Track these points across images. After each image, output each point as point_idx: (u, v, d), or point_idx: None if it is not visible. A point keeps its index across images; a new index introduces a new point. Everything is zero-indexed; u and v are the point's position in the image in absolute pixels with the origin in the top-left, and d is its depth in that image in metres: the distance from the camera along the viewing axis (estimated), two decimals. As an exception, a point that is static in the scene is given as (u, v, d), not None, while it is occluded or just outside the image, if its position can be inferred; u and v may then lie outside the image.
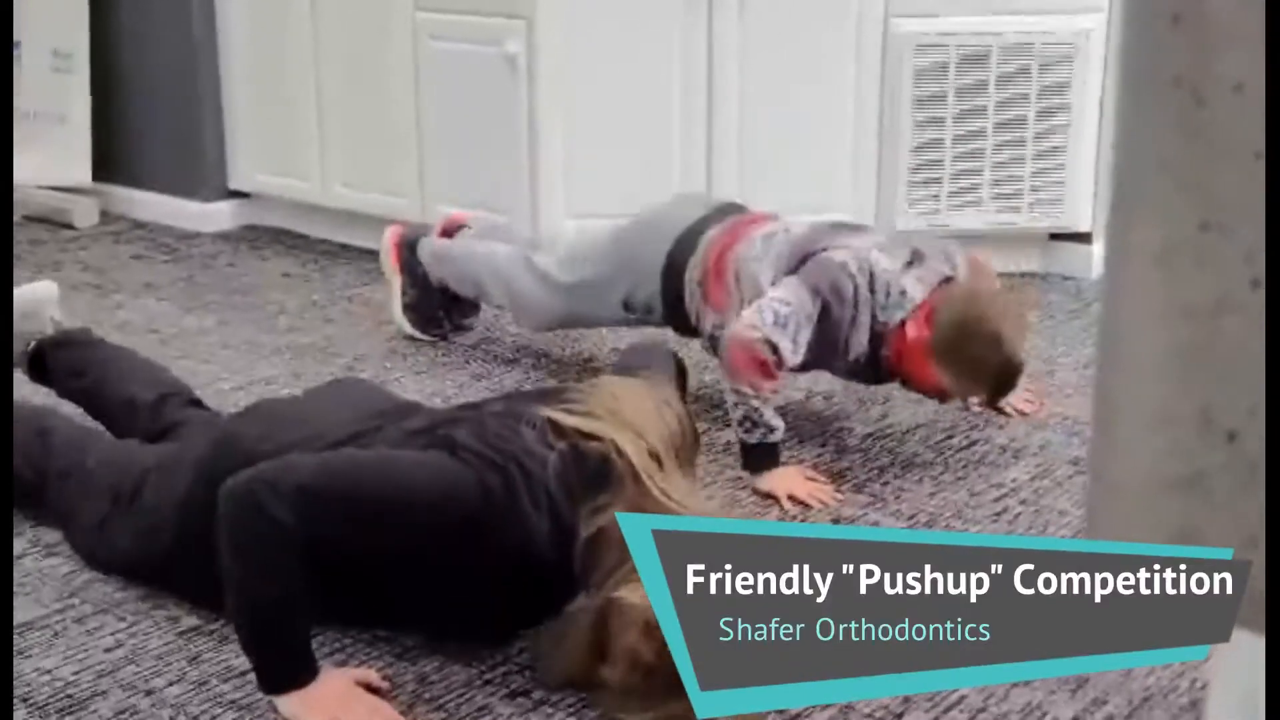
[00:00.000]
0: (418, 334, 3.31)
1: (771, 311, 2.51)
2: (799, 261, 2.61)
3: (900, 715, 1.86)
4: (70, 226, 4.28)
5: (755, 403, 2.50)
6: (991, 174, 3.72)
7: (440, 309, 3.30)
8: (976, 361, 2.47)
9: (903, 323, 2.53)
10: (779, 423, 2.53)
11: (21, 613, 2.09)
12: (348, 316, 3.53)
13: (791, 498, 2.48)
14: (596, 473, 1.85)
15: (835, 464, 2.66)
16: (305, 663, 1.85)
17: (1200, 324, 0.63)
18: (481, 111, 3.70)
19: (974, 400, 2.67)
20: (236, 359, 3.22)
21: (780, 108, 3.63)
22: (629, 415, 1.89)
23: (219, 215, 4.31)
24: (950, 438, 2.80)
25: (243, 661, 1.96)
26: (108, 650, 2.00)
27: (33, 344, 2.61)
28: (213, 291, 3.71)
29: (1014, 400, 2.92)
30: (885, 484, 2.59)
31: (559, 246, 3.21)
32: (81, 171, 4.33)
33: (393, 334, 3.35)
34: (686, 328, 2.83)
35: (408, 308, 3.29)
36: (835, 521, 2.43)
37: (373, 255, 3.53)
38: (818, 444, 2.76)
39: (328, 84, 4.02)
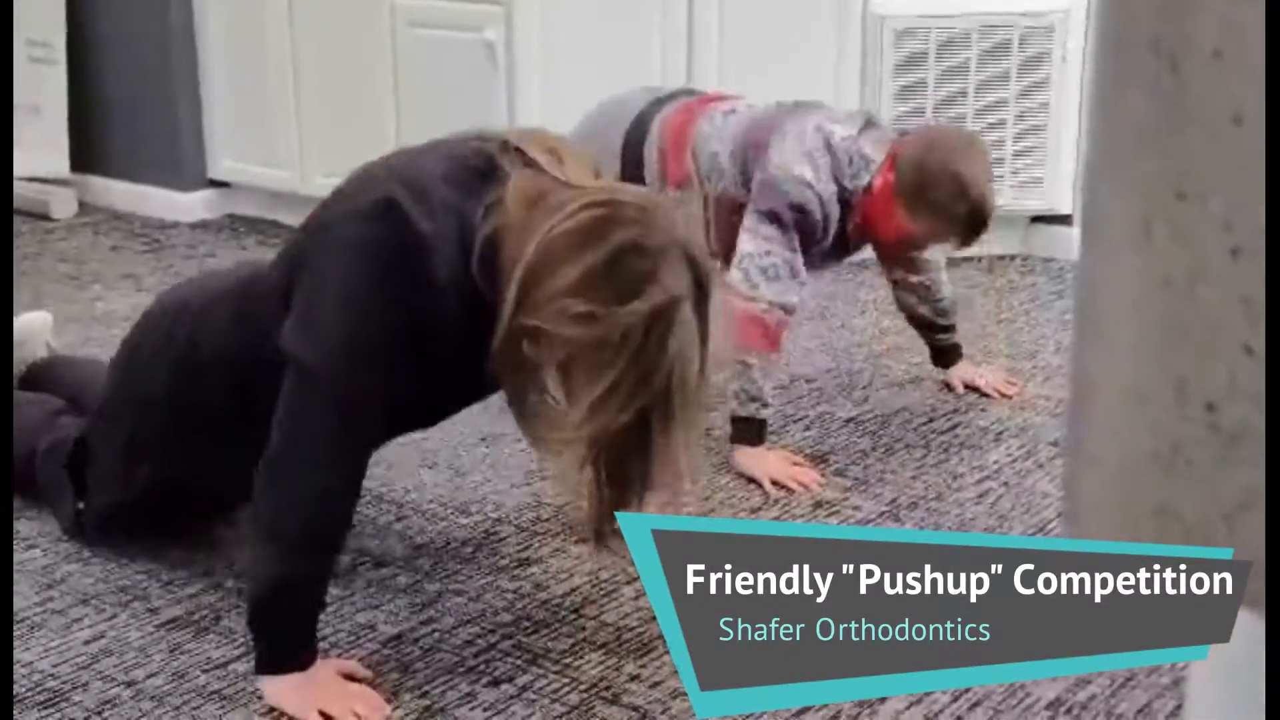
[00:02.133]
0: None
1: (758, 270, 2.48)
2: (752, 143, 2.56)
3: (881, 699, 1.86)
4: (48, 218, 4.25)
5: (755, 375, 2.48)
6: (972, 157, 3.71)
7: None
8: (944, 203, 2.43)
9: (870, 185, 2.51)
10: (772, 400, 2.52)
11: None
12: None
13: (774, 481, 2.47)
14: (487, 168, 1.79)
15: (817, 448, 2.65)
16: (311, 643, 1.84)
17: (1177, 295, 0.62)
18: (460, 98, 3.68)
19: (946, 244, 2.62)
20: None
21: (760, 92, 3.61)
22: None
23: (198, 205, 4.28)
24: (932, 421, 2.80)
25: (223, 653, 1.95)
26: (87, 642, 1.98)
27: (25, 367, 2.62)
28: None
29: (995, 382, 2.92)
30: (867, 467, 2.58)
31: None
32: (59, 162, 4.30)
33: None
34: None
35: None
36: (817, 505, 2.42)
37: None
38: (800, 428, 2.75)
39: (306, 72, 3.99)
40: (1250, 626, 0.74)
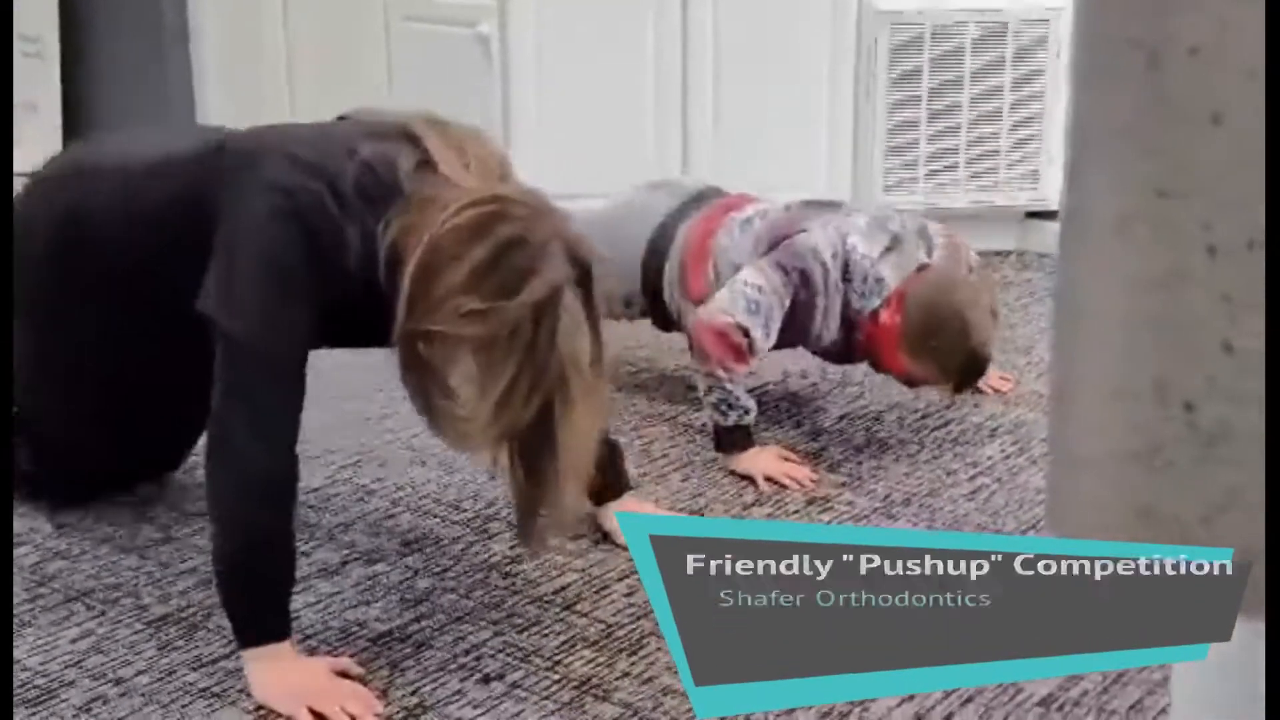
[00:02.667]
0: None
1: (744, 298, 2.50)
2: (775, 246, 2.59)
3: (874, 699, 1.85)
4: (41, 213, 4.24)
5: (729, 385, 2.49)
6: (967, 152, 3.71)
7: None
8: (944, 351, 2.46)
9: (876, 310, 2.52)
10: (752, 404, 2.52)
11: (-12, 602, 2.06)
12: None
13: (767, 478, 2.47)
14: (392, 180, 1.83)
15: (811, 445, 2.65)
16: (284, 616, 1.85)
17: (1157, 293, 0.61)
18: (454, 93, 3.67)
19: (941, 389, 2.65)
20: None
21: (756, 86, 3.61)
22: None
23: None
24: (925, 417, 2.80)
25: (213, 650, 1.94)
26: (75, 640, 1.98)
27: None
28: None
29: (989, 378, 2.91)
30: (860, 464, 2.58)
31: None
32: (53, 158, 4.29)
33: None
34: (667, 322, 2.81)
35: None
36: (810, 502, 2.42)
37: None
38: (793, 425, 2.75)
39: (301, 67, 3.99)
40: (1239, 628, 0.74)
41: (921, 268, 2.57)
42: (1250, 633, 0.74)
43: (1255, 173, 0.59)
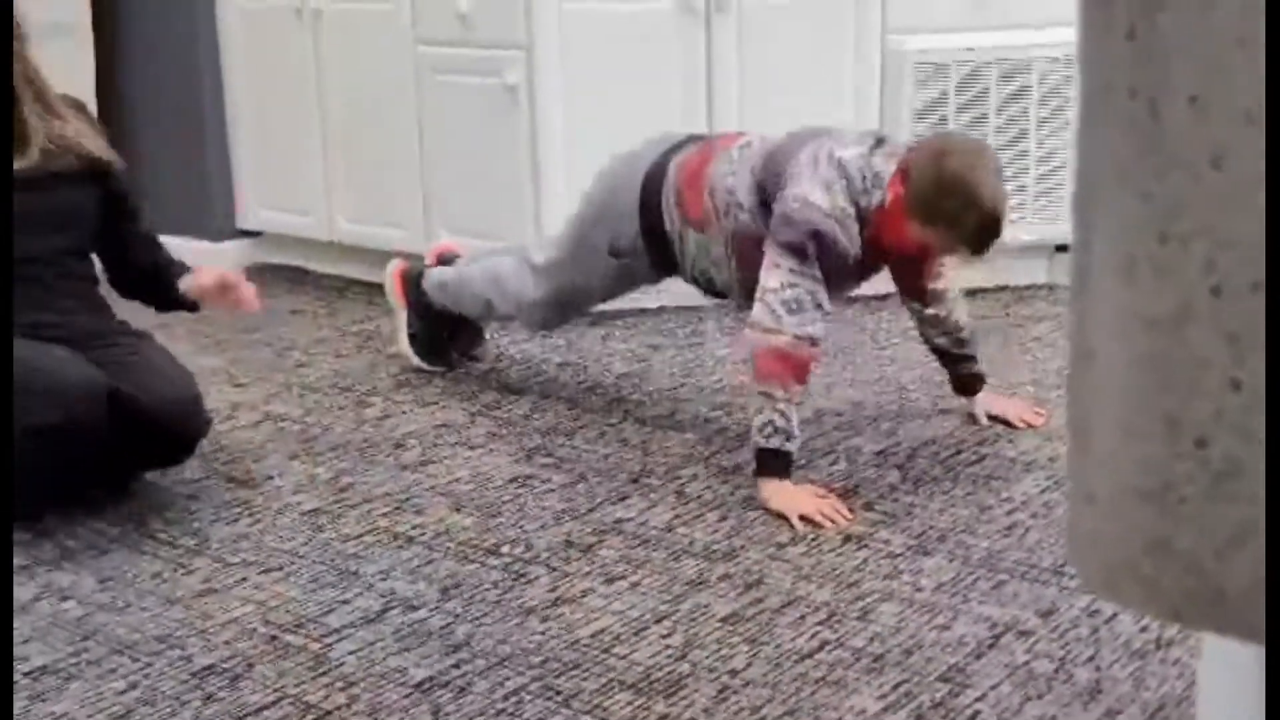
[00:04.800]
0: (424, 365, 3.32)
1: (781, 303, 2.51)
2: (768, 176, 2.60)
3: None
4: (81, 270, 4.30)
5: (783, 405, 2.50)
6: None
7: (447, 340, 3.31)
8: (955, 211, 2.42)
9: (883, 199, 2.53)
10: (799, 433, 2.53)
11: (36, 658, 2.10)
12: (356, 351, 3.55)
13: (802, 516, 2.48)
14: None
15: (845, 482, 2.66)
16: None
17: (1162, 334, 0.63)
18: (484, 142, 3.72)
19: (960, 255, 2.60)
20: (249, 395, 3.23)
21: (781, 128, 3.64)
22: None
23: (228, 255, 4.33)
24: (959, 453, 2.80)
25: (258, 699, 1.97)
26: (121, 693, 2.01)
27: None
28: (224, 330, 3.73)
29: (1023, 413, 2.91)
30: (895, 500, 2.58)
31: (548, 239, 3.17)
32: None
33: (402, 366, 3.36)
34: (672, 264, 2.83)
35: (414, 339, 3.30)
36: (846, 539, 2.43)
37: (380, 289, 3.55)
38: (828, 462, 2.75)
39: (332, 119, 4.05)
40: (1246, 658, 0.75)
41: (912, 148, 2.58)
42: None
43: (1256, 215, 0.61)
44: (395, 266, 3.35)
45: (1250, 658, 0.75)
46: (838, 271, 2.56)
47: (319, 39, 4.01)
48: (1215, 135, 0.61)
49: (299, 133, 4.12)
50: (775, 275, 2.53)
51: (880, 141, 2.61)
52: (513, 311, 3.12)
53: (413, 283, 3.29)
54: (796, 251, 2.52)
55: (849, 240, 2.54)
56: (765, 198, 2.61)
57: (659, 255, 2.83)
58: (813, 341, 2.51)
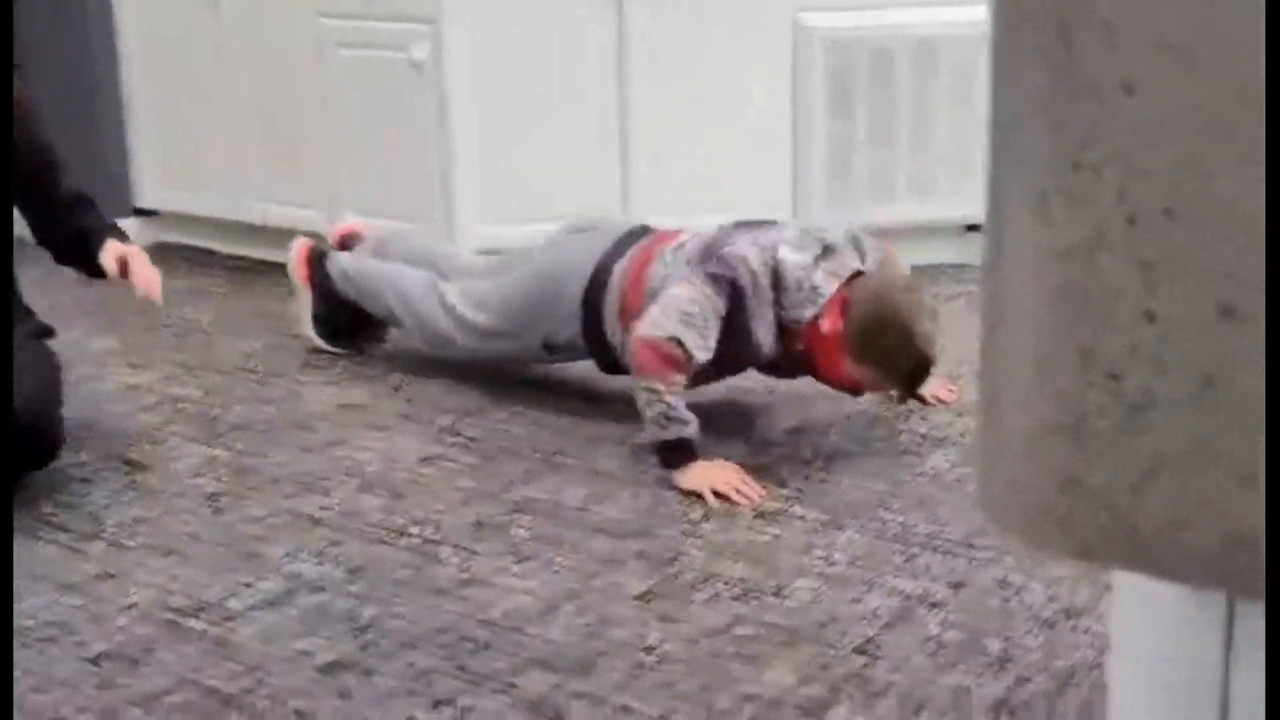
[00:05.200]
0: (328, 347, 3.27)
1: (677, 310, 2.52)
2: (706, 259, 2.61)
3: (829, 706, 1.86)
4: (-30, 252, 4.18)
5: (669, 398, 2.50)
6: (905, 166, 3.75)
7: (350, 322, 3.27)
8: (889, 355, 2.49)
9: (815, 318, 2.54)
10: (692, 417, 2.53)
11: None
12: (260, 332, 3.49)
13: (715, 493, 2.48)
14: None
15: (758, 459, 2.66)
16: None
17: (1076, 264, 0.63)
18: (391, 118, 3.67)
19: (888, 394, 2.68)
20: (145, 377, 3.16)
21: (693, 105, 3.64)
22: None
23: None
24: (872, 429, 2.82)
25: (157, 684, 1.92)
26: (14, 681, 1.95)
27: None
28: (124, 313, 3.64)
29: (934, 389, 2.94)
30: (808, 477, 2.59)
31: (466, 280, 3.08)
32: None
33: (306, 348, 3.30)
34: (612, 363, 2.82)
35: (317, 321, 3.25)
36: (759, 515, 2.43)
37: (284, 270, 3.48)
38: (740, 440, 2.76)
39: (233, 95, 3.97)
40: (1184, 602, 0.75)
41: (857, 274, 2.60)
42: (1196, 605, 0.75)
43: (1168, 142, 0.61)
44: (299, 246, 3.29)
45: (1166, 600, 0.75)
46: (738, 342, 2.57)
47: (220, 10, 3.93)
48: (1128, 61, 0.61)
49: (201, 109, 4.03)
50: (684, 288, 2.56)
51: (827, 250, 2.61)
52: (415, 329, 3.07)
53: (317, 263, 3.24)
54: (713, 281, 2.54)
55: (759, 326, 2.56)
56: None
57: (600, 355, 2.82)
58: (684, 349, 2.51)
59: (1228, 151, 0.58)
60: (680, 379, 2.52)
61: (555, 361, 2.97)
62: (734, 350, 2.59)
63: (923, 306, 2.55)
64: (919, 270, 3.86)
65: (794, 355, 2.61)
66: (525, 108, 3.60)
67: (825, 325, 2.54)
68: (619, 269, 2.75)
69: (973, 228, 3.86)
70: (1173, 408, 0.61)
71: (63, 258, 2.78)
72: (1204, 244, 0.59)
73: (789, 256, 2.56)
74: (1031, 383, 0.65)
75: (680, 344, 2.50)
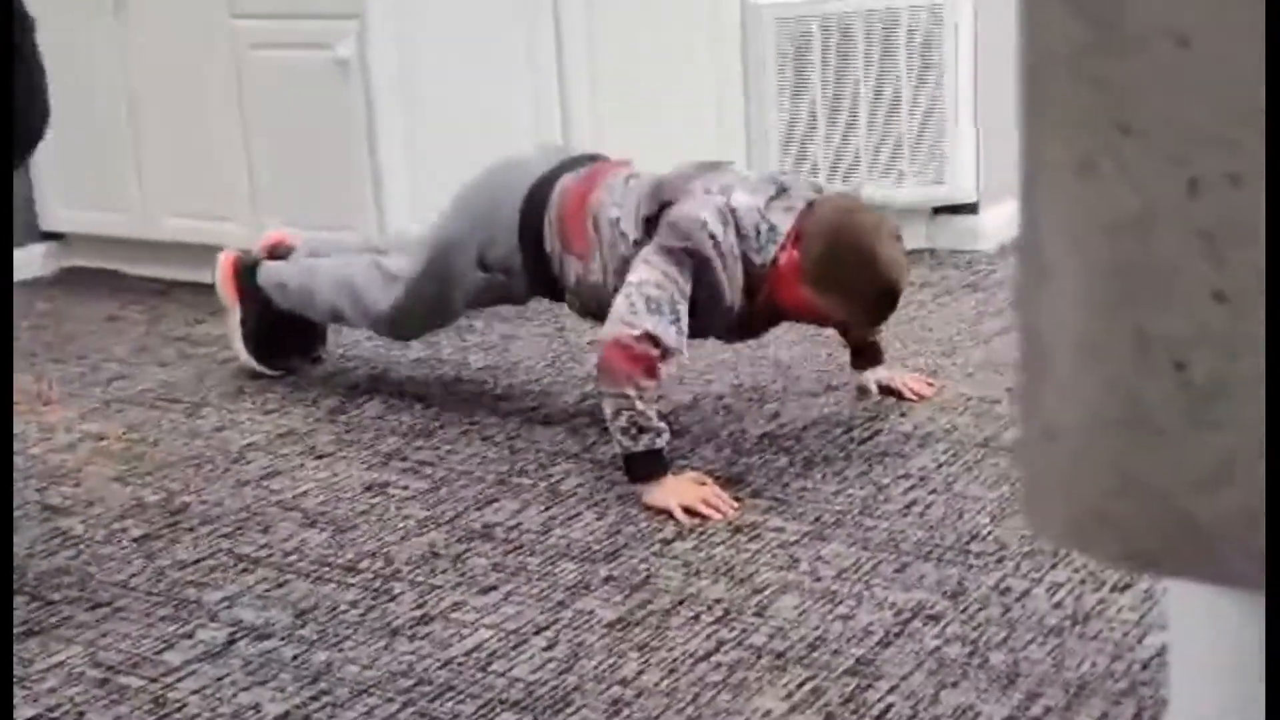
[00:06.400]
0: (263, 368, 3.20)
1: (642, 298, 2.47)
2: (657, 207, 2.56)
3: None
4: None
5: (640, 405, 2.45)
6: (867, 149, 3.73)
7: (285, 337, 3.20)
8: (851, 282, 2.45)
9: (776, 256, 2.50)
10: (664, 426, 2.49)
11: None
12: (182, 359, 3.41)
13: (685, 509, 2.43)
14: None
15: (731, 469, 2.62)
16: None
17: (1128, 239, 0.58)
18: (314, 122, 3.61)
19: (856, 324, 2.64)
20: (63, 416, 3.08)
21: (636, 94, 3.60)
22: None
23: (31, 261, 4.14)
24: (850, 430, 2.78)
25: (88, 750, 1.85)
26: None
27: None
28: (30, 344, 3.56)
29: (913, 385, 2.91)
30: (785, 485, 2.55)
31: (405, 241, 3.10)
32: None
33: (236, 370, 3.23)
34: (549, 284, 2.77)
35: (248, 339, 3.18)
36: (736, 530, 2.39)
37: (207, 290, 3.41)
38: (712, 449, 2.72)
39: (143, 106, 3.89)
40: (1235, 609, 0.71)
41: (811, 205, 2.56)
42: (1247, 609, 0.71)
43: (1231, 100, 0.57)
44: (226, 259, 3.21)
45: (1230, 608, 0.71)
46: (709, 310, 2.53)
47: (123, 14, 3.84)
48: (1180, 9, 0.57)
49: (106, 122, 3.95)
50: (644, 270, 2.50)
51: (782, 190, 2.57)
52: (364, 322, 3.03)
53: (247, 276, 3.16)
54: (673, 257, 2.50)
55: (730, 285, 2.52)
56: (652, 230, 2.56)
57: (537, 274, 2.77)
58: (659, 345, 2.46)
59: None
60: (653, 384, 2.47)
61: (492, 291, 2.87)
62: (702, 320, 2.54)
63: (884, 228, 2.49)
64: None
65: (759, 305, 2.56)
66: (458, 102, 3.55)
67: (783, 258, 2.49)
68: (561, 185, 2.72)
69: (940, 210, 3.85)
70: (1249, 397, 0.57)
71: None
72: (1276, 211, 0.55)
73: (743, 200, 2.53)
74: (1081, 371, 0.61)
75: (655, 340, 2.45)
